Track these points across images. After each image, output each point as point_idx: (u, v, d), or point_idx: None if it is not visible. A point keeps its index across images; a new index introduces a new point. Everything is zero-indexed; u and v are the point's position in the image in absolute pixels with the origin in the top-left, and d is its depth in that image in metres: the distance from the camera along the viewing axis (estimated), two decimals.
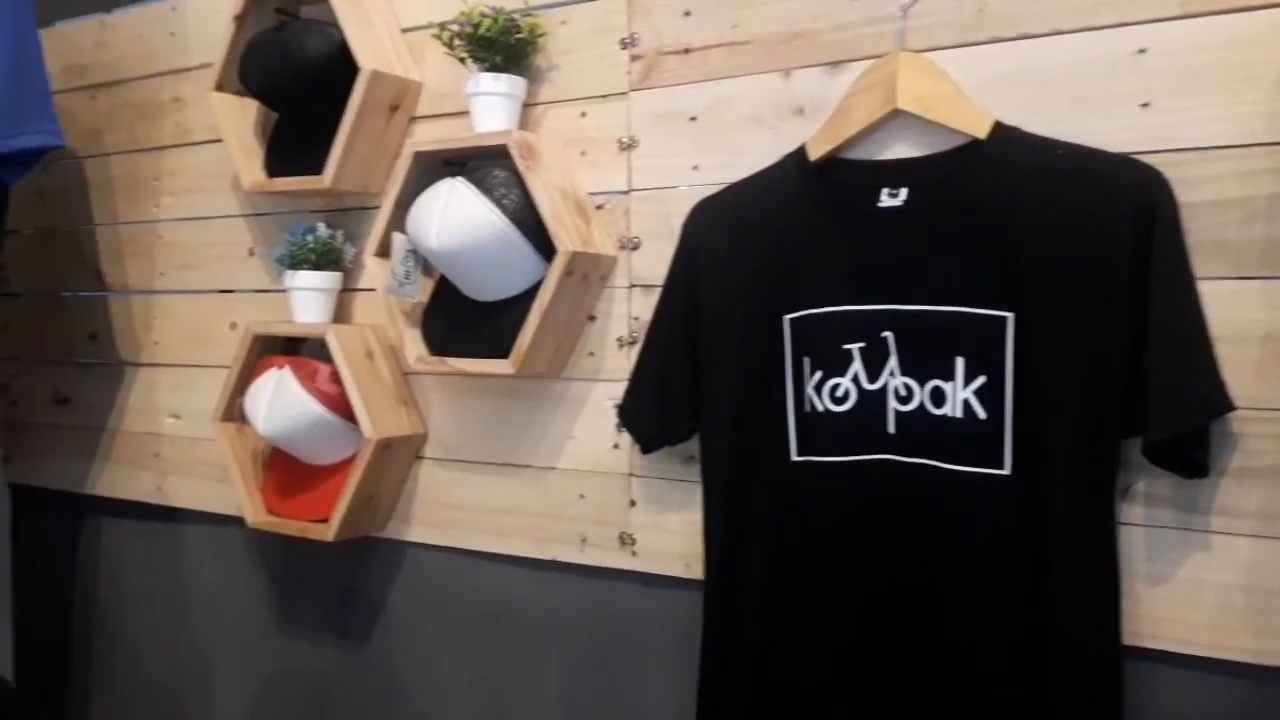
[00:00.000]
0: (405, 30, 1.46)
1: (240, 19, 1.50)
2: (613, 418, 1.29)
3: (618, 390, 1.28)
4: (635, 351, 1.26)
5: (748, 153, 1.19)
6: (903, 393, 1.04)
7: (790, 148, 1.14)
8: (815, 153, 1.10)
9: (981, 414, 1.00)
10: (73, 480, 1.87)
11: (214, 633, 1.73)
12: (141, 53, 1.76)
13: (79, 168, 1.84)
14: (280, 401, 1.42)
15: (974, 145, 1.03)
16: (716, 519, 1.15)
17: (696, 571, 1.22)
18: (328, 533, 1.41)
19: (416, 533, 1.47)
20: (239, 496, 1.51)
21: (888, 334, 1.04)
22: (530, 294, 1.27)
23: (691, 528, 1.22)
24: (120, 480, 1.80)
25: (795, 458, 1.09)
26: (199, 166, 1.69)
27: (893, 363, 1.04)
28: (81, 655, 1.92)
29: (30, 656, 1.95)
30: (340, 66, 1.40)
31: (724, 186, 1.18)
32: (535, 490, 1.36)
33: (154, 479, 1.75)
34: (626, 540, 1.29)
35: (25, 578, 1.97)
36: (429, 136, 1.44)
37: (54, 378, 1.89)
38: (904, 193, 1.05)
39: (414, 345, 1.37)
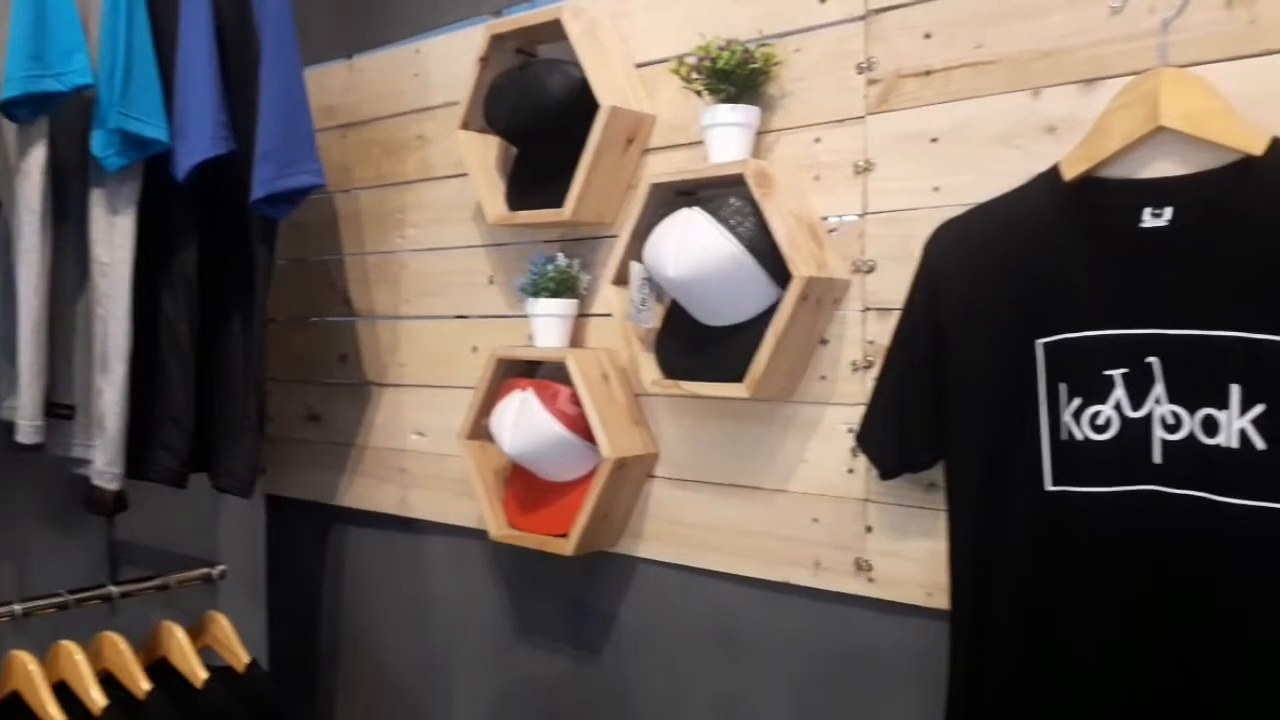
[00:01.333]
0: (639, 65, 1.51)
1: (484, 60, 1.59)
2: (846, 442, 1.29)
3: (850, 414, 1.28)
4: (870, 375, 1.26)
5: (993, 173, 1.17)
6: (1170, 421, 1.00)
7: (1039, 168, 1.11)
8: (1070, 172, 1.07)
9: (1260, 444, 0.95)
10: (323, 492, 2.02)
11: (453, 639, 1.83)
12: (388, 93, 1.89)
13: (330, 202, 2.00)
14: (524, 422, 1.49)
15: (1248, 162, 0.98)
16: (964, 549, 1.13)
17: (939, 601, 1.20)
18: (566, 547, 1.47)
19: (648, 549, 1.51)
20: (482, 510, 1.60)
21: (1152, 359, 1.00)
22: (763, 319, 1.30)
23: (933, 556, 1.21)
24: (367, 493, 1.94)
25: (1050, 487, 1.06)
26: (441, 200, 1.80)
27: (1158, 389, 1.00)
28: (328, 655, 2.06)
29: (281, 655, 2.12)
30: (579, 103, 1.46)
31: (968, 208, 1.16)
32: (766, 512, 1.38)
33: (399, 492, 1.87)
34: (863, 566, 1.28)
35: (278, 582, 2.14)
36: (662, 167, 1.48)
37: (306, 396, 2.05)
38: (1168, 212, 1.01)
39: (649, 369, 1.41)
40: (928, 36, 1.23)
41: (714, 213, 1.30)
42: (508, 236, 1.69)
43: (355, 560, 2.01)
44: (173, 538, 1.96)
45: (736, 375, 1.30)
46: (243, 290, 1.60)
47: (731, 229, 1.29)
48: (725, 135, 1.34)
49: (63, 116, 1.43)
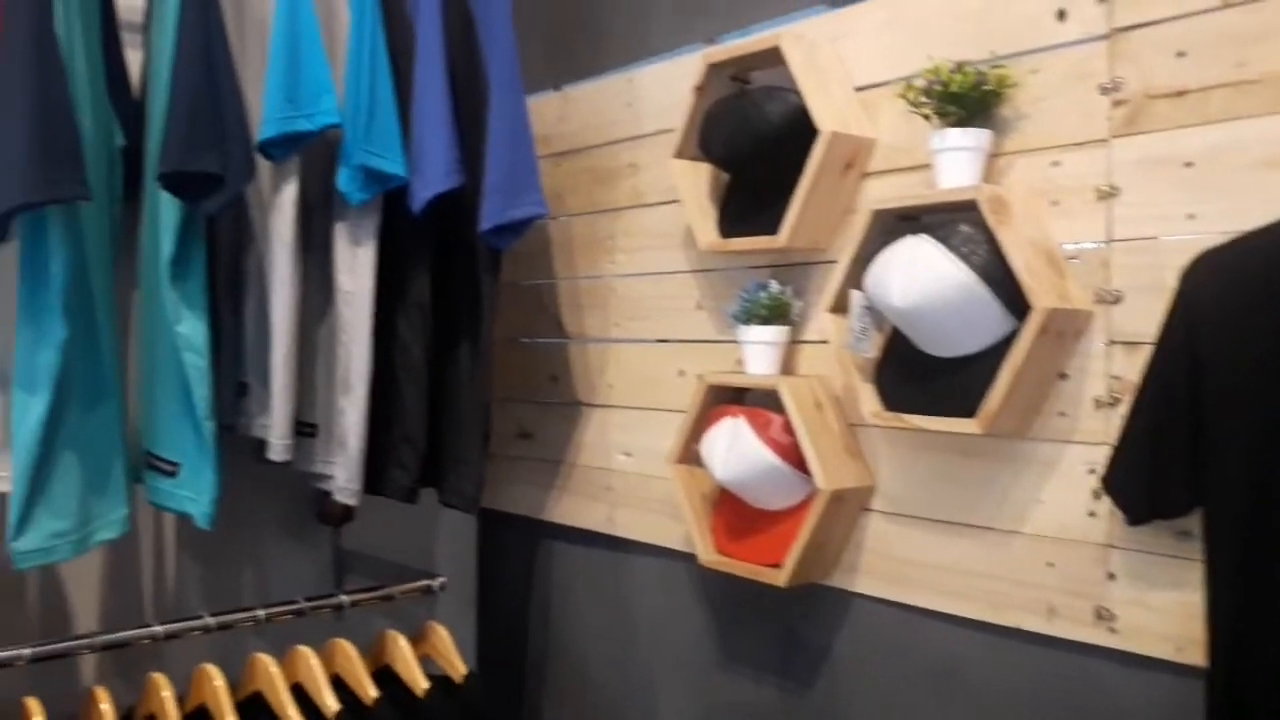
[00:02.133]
0: (859, 88, 1.49)
1: (700, 89, 1.60)
2: (1088, 483, 1.22)
3: (1093, 454, 1.21)
4: (1116, 413, 1.19)
5: (1257, 200, 1.09)
6: None
7: None
8: None
9: None
10: (532, 507, 2.08)
11: (658, 658, 1.84)
12: (600, 122, 1.93)
13: (543, 227, 2.06)
14: (736, 449, 1.49)
15: None
16: (1226, 603, 1.05)
17: (1190, 656, 1.12)
18: (779, 578, 1.46)
19: (863, 583, 1.48)
20: (690, 534, 1.60)
21: None
22: (996, 351, 1.25)
23: (1184, 608, 1.13)
24: (575, 509, 1.98)
25: None
26: (652, 226, 1.82)
27: None
28: (535, 667, 2.12)
29: (489, 665, 2.19)
30: (797, 129, 1.45)
31: (1229, 237, 1.08)
32: (994, 553, 1.32)
33: (606, 510, 1.91)
34: (1104, 615, 1.21)
35: (488, 593, 2.21)
36: (882, 192, 1.45)
37: (518, 414, 2.11)
38: None
39: (869, 400, 1.38)
40: (1181, 55, 1.16)
41: (944, 240, 1.26)
42: (717, 262, 1.69)
43: (563, 575, 2.05)
44: (392, 548, 2.06)
45: (966, 409, 1.25)
46: (470, 316, 1.67)
47: (964, 257, 1.25)
48: (955, 160, 1.30)
49: (308, 153, 1.53)
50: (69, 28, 1.34)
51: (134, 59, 1.67)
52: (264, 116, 1.42)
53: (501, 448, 2.15)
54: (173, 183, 1.36)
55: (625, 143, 1.88)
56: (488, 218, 1.60)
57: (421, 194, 1.53)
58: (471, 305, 1.68)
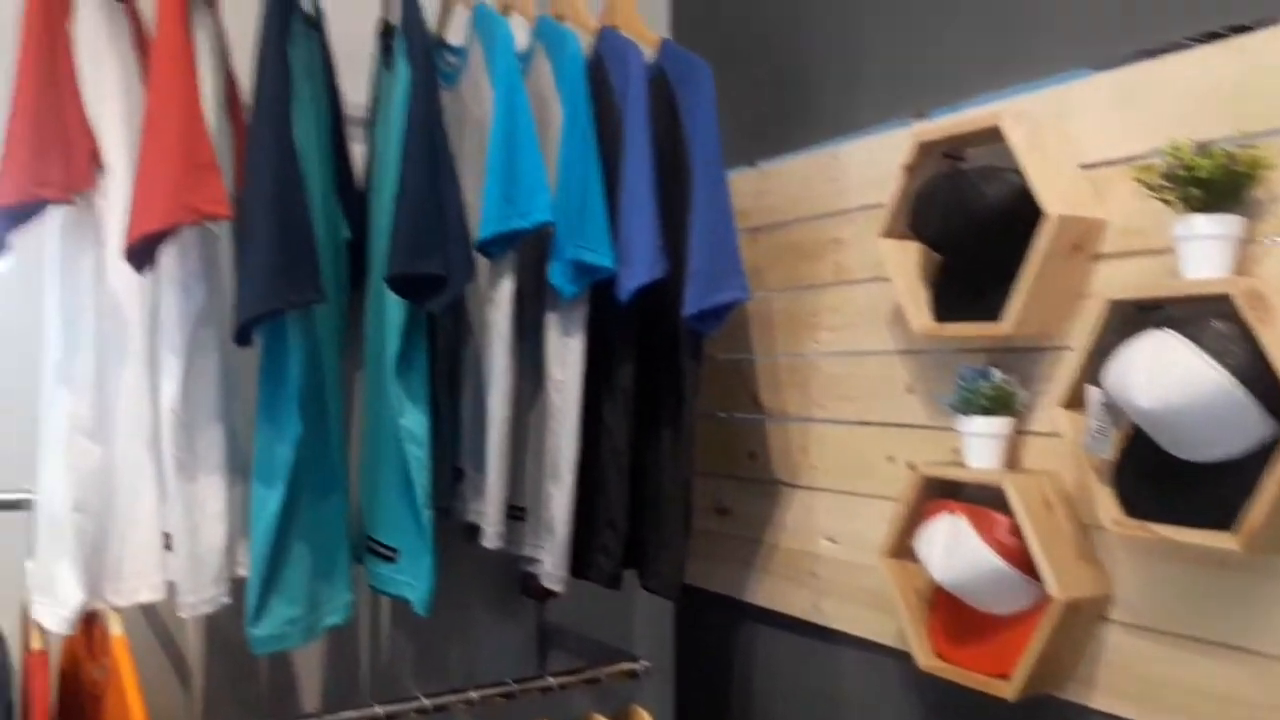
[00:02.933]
0: (1086, 166, 1.41)
1: (910, 168, 1.55)
2: None
3: None
4: None
5: None
6: None
7: None
8: None
9: None
10: (731, 586, 2.04)
11: None
12: (802, 197, 1.90)
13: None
14: (957, 550, 1.41)
15: None
16: None
17: None
18: (1008, 690, 1.37)
19: (1102, 700, 1.37)
20: (906, 634, 1.53)
21: None
22: (1255, 458, 1.14)
23: None
24: (776, 593, 1.94)
25: None
26: (856, 304, 1.77)
27: None
28: None
29: None
30: (1018, 210, 1.38)
31: None
32: (1256, 679, 1.20)
33: (810, 597, 1.85)
34: None
35: (686, 672, 2.19)
36: (1114, 277, 1.36)
37: (716, 489, 2.09)
38: None
39: (1108, 505, 1.29)
40: None
41: (1194, 338, 1.16)
42: (930, 344, 1.63)
43: (764, 659, 2.01)
44: (593, 621, 2.07)
45: (1220, 520, 1.15)
46: (672, 400, 1.67)
47: (1218, 356, 1.14)
48: (1203, 248, 1.20)
49: (521, 245, 1.57)
50: (303, 128, 1.43)
51: (357, 152, 1.76)
52: (483, 216, 1.46)
53: (699, 522, 2.12)
54: (398, 284, 1.41)
55: (828, 218, 1.84)
56: (691, 303, 1.59)
57: (628, 284, 1.54)
58: (674, 389, 1.67)
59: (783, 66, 1.99)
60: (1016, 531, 1.38)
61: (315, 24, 1.54)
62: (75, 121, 1.23)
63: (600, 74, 1.62)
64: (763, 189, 2.00)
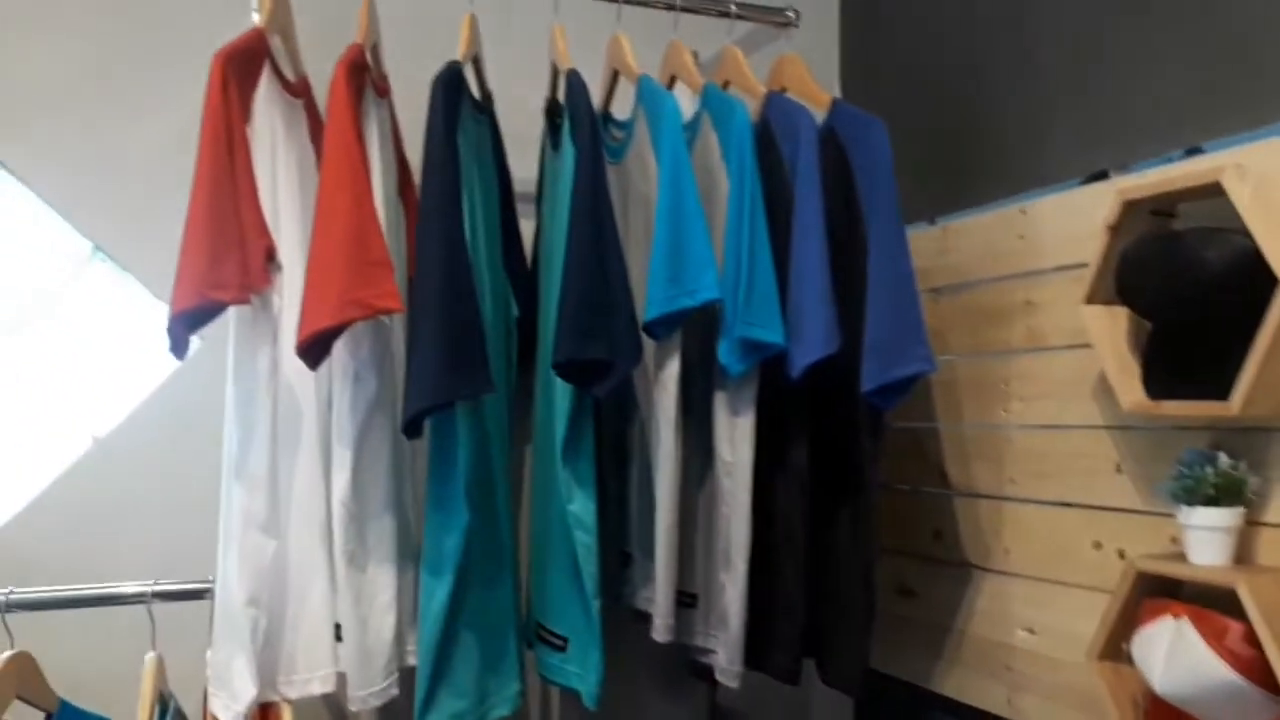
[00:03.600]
0: None
1: (1114, 228, 1.41)
2: None
3: None
4: None
5: None
6: None
7: None
8: None
9: None
10: (914, 673, 1.90)
11: None
12: (988, 255, 1.77)
13: None
14: (1181, 659, 1.25)
15: None
16: None
17: None
18: None
19: None
20: None
21: None
22: None
23: None
24: (966, 684, 1.79)
25: None
26: (1054, 372, 1.63)
27: None
28: None
29: None
30: (1244, 276, 1.23)
31: None
32: None
33: (1005, 691, 1.70)
34: None
35: None
36: None
37: (899, 569, 1.96)
38: None
39: None
40: None
41: None
42: (1142, 420, 1.46)
43: None
44: (766, 705, 1.97)
45: None
46: (851, 481, 1.57)
47: None
48: None
49: (687, 323, 1.51)
50: (473, 212, 1.42)
51: (527, 230, 1.76)
52: (649, 296, 1.41)
53: (880, 603, 1.99)
54: (565, 370, 1.38)
55: (1019, 278, 1.70)
56: (869, 378, 1.49)
57: (800, 361, 1.46)
58: (852, 469, 1.57)
59: (963, 116, 1.88)
60: (1252, 640, 1.21)
61: (485, 108, 1.54)
62: (252, 221, 1.25)
63: (769, 141, 1.55)
64: (944, 247, 1.87)
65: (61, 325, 1.68)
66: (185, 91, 1.68)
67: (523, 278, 1.72)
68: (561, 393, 1.44)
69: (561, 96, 1.58)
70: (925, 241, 1.91)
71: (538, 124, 1.74)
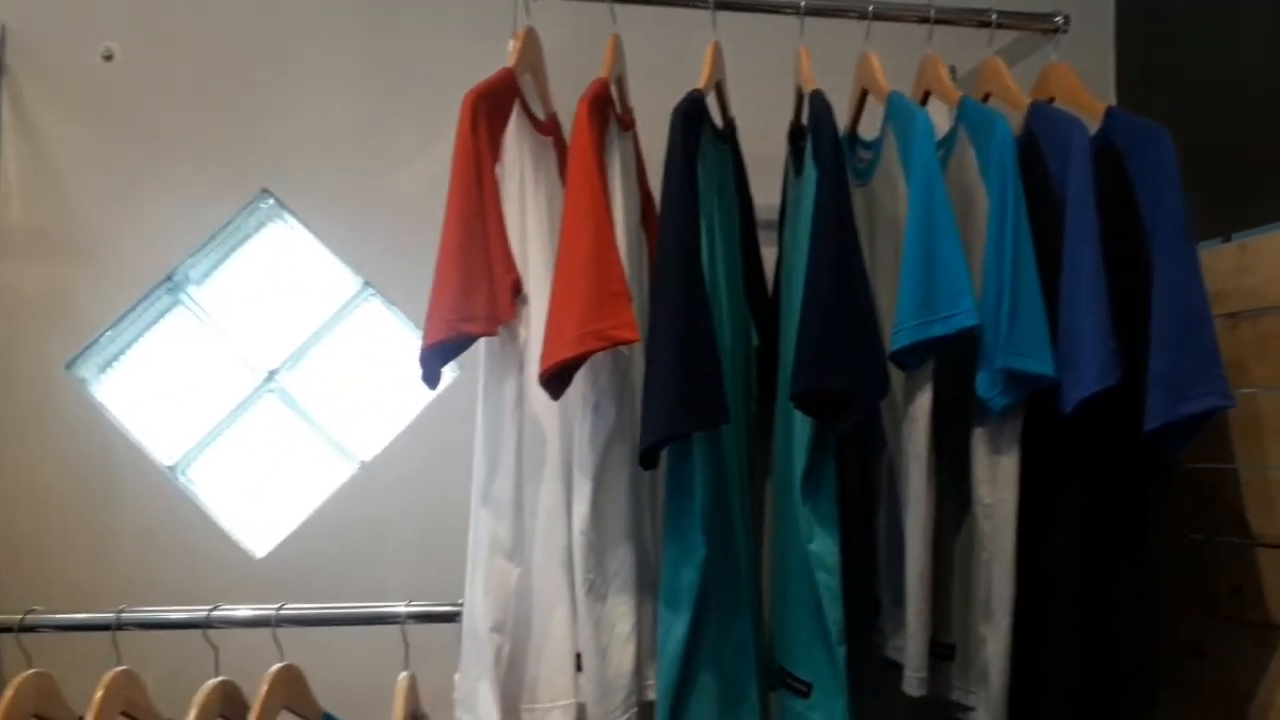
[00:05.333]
0: None
1: None
2: None
3: None
4: None
5: None
6: None
7: None
8: None
9: None
10: None
11: None
12: None
13: None
14: None
15: None
16: None
17: None
18: None
19: None
20: None
21: None
22: None
23: None
24: None
25: None
26: None
27: None
28: None
29: None
30: None
31: None
32: None
33: None
34: None
35: None
36: None
37: (1189, 627, 1.73)
38: None
39: None
40: None
41: None
42: None
43: None
44: None
45: None
46: (1133, 530, 1.40)
47: None
48: None
49: (941, 354, 1.40)
50: (711, 237, 1.39)
51: (768, 257, 1.71)
52: (897, 324, 1.32)
53: (1167, 666, 1.78)
54: (804, 401, 1.32)
55: None
56: (1154, 415, 1.33)
57: (1074, 395, 1.32)
58: (1134, 517, 1.40)
59: (1261, 123, 1.66)
60: None
61: (727, 136, 1.52)
62: (499, 256, 1.28)
63: (1034, 154, 1.43)
64: (1242, 267, 1.66)
65: (334, 357, 1.80)
66: (448, 136, 1.78)
67: (764, 306, 1.67)
68: (801, 425, 1.37)
69: (805, 119, 1.52)
70: (1219, 261, 1.70)
71: (781, 150, 1.70)
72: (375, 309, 1.81)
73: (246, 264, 1.80)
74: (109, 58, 1.73)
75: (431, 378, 1.29)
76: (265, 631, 1.44)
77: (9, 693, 1.34)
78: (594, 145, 1.29)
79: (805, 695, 1.44)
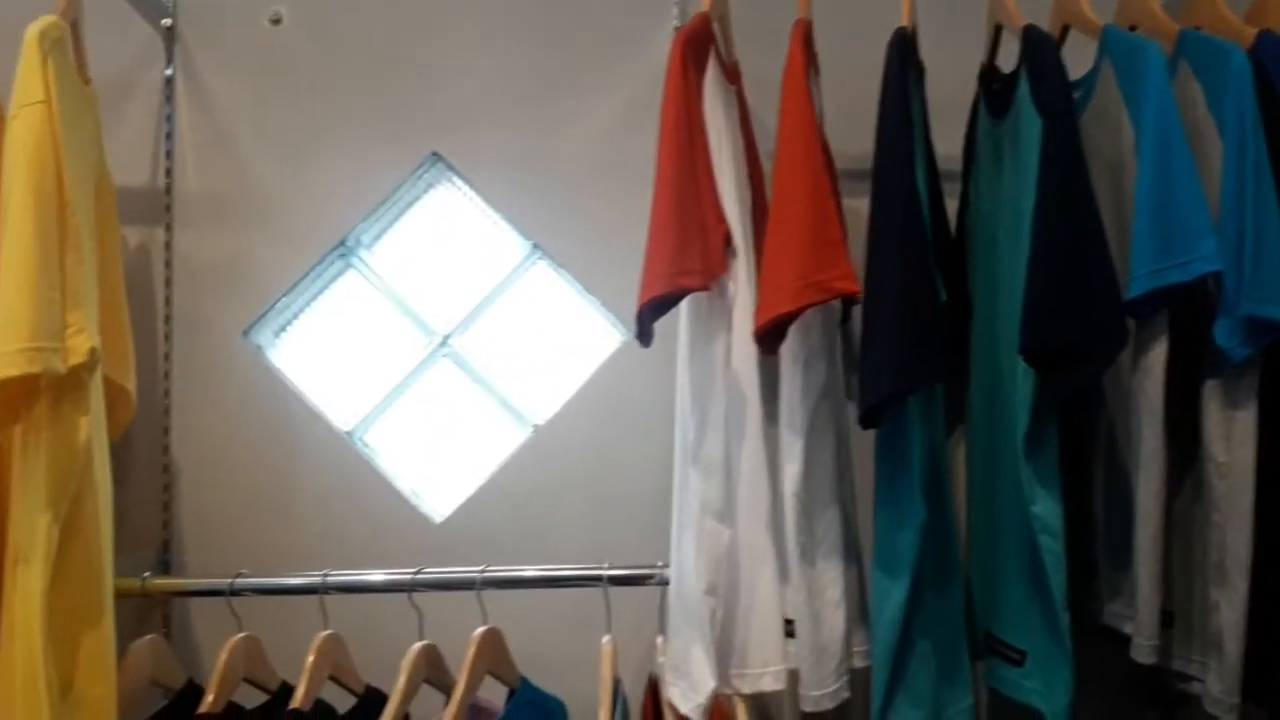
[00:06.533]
0: None
1: None
2: None
3: None
4: None
5: None
6: None
7: None
8: None
9: None
10: None
11: None
12: None
13: None
14: None
15: None
16: None
17: None
18: None
19: None
20: None
21: None
22: None
23: None
24: None
25: None
26: None
27: None
28: None
29: None
30: None
31: None
32: None
33: None
34: None
35: None
36: None
37: None
38: None
39: None
40: None
41: None
42: None
43: None
44: None
45: None
46: None
47: None
48: None
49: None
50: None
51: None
52: (1132, 270, 1.24)
53: None
54: (1035, 357, 1.25)
55: None
56: None
57: None
58: None
59: None
60: None
61: (921, 74, 1.45)
62: (711, 206, 1.23)
63: (1265, 86, 1.33)
64: None
65: (504, 321, 1.78)
66: (613, 95, 1.73)
67: (947, 260, 1.60)
68: (1023, 382, 1.30)
69: (998, 60, 1.44)
70: None
71: (960, 92, 1.61)
72: (543, 272, 1.78)
73: (415, 227, 1.78)
74: (277, 21, 1.72)
75: (646, 334, 1.25)
76: (445, 595, 1.42)
77: (223, 656, 1.36)
78: (806, 90, 1.23)
79: (1019, 663, 1.38)
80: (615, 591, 1.47)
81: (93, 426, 1.20)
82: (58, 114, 1.16)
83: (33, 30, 1.19)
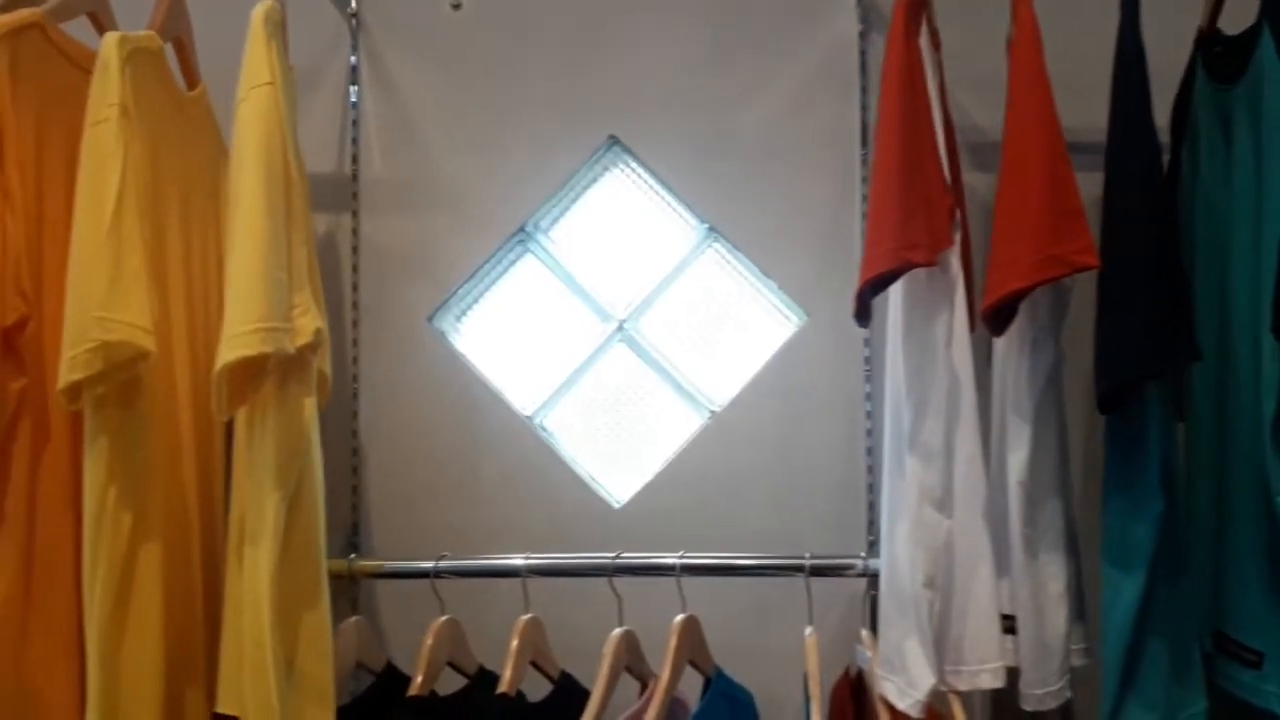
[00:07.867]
0: None
1: None
2: None
3: None
4: None
5: None
6: None
7: None
8: None
9: None
10: None
11: None
12: None
13: None
14: None
15: None
16: None
17: None
18: None
19: None
20: None
21: None
22: None
23: None
24: None
25: None
26: None
27: None
28: None
29: None
30: None
31: None
32: None
33: None
34: None
35: None
36: None
37: None
38: None
39: None
40: None
41: None
42: None
43: None
44: None
45: None
46: None
47: None
48: None
49: None
50: None
51: None
52: None
53: None
54: None
55: None
56: None
57: None
58: None
59: None
60: None
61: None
62: (935, 175, 1.18)
63: None
64: None
65: (680, 305, 1.75)
66: (785, 73, 1.68)
67: None
68: (1270, 363, 1.21)
69: (1223, 23, 1.35)
70: None
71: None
72: (719, 255, 1.74)
73: (591, 211, 1.76)
74: (457, 6, 1.72)
75: (865, 314, 1.20)
76: (624, 580, 1.40)
77: (429, 639, 1.36)
78: (1040, 56, 1.16)
79: (1256, 666, 1.29)
80: (793, 582, 1.43)
81: (313, 408, 1.21)
82: (282, 95, 1.18)
83: (258, 13, 1.20)
